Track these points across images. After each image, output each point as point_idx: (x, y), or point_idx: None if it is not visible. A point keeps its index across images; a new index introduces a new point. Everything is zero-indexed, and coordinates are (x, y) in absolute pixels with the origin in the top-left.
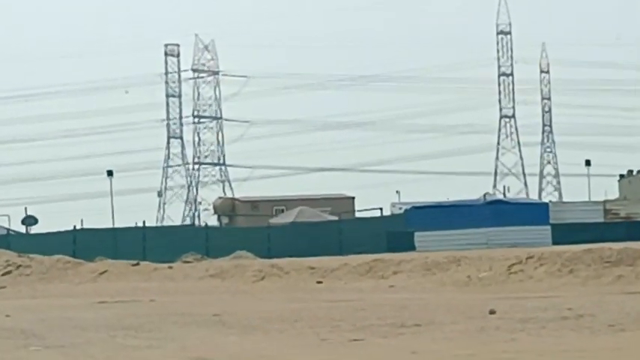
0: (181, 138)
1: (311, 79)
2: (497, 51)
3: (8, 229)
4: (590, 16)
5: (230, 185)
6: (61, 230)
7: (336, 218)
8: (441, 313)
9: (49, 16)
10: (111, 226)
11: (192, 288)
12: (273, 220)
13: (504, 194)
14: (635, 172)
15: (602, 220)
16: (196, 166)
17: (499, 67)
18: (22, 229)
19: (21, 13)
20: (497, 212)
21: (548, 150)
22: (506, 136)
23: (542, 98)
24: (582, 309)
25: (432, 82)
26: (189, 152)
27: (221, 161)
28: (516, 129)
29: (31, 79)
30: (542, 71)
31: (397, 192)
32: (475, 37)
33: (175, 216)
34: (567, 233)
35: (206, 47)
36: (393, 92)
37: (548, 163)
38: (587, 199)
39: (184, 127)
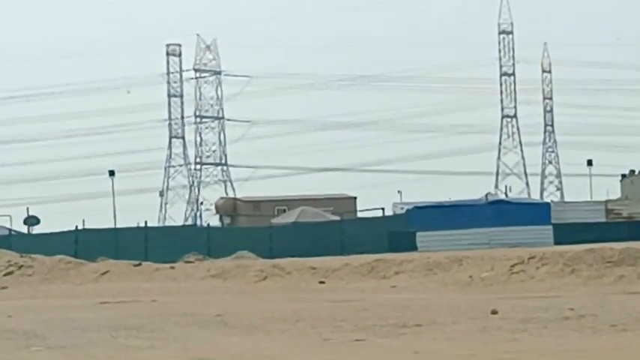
0: (183, 138)
1: (312, 79)
2: (499, 51)
3: (10, 230)
4: (591, 15)
5: (232, 185)
6: (63, 230)
7: (337, 218)
8: (443, 313)
9: (50, 16)
10: (113, 226)
11: (194, 288)
12: (275, 220)
13: (506, 194)
14: (636, 172)
15: (603, 220)
16: (198, 166)
17: (501, 66)
18: (24, 229)
19: (22, 13)
20: (498, 212)
21: (550, 150)
22: (508, 136)
23: (544, 98)
24: (584, 309)
25: (433, 82)
26: (191, 152)
27: (223, 161)
28: (518, 129)
29: (33, 79)
30: (543, 71)
31: (399, 192)
32: (476, 36)
33: (177, 216)
34: (569, 233)
35: (208, 47)
36: (394, 92)
37: (550, 163)
38: (589, 199)
39: (186, 127)
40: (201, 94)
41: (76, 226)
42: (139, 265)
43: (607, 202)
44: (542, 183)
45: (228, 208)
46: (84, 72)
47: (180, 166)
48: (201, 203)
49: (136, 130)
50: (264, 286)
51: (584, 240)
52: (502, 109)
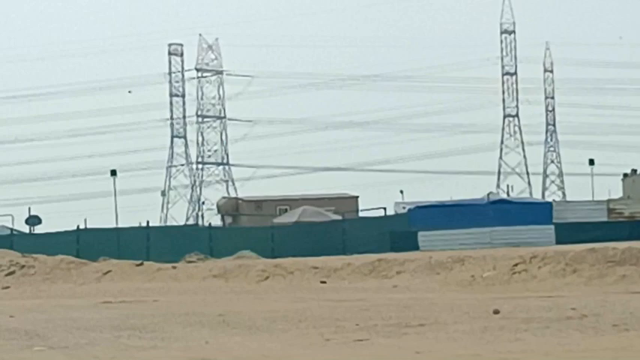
0: (185, 137)
1: (314, 79)
2: (501, 50)
3: (12, 229)
4: (593, 15)
5: (234, 185)
6: (65, 230)
7: (339, 218)
8: (445, 312)
9: (52, 16)
10: (114, 225)
11: (195, 288)
12: (277, 220)
13: (508, 193)
14: (638, 172)
15: (605, 219)
16: (200, 166)
17: (503, 66)
18: (26, 229)
19: (24, 13)
20: (500, 212)
21: (552, 149)
22: (510, 136)
23: (546, 97)
24: (586, 309)
25: (435, 82)
26: (193, 152)
27: (225, 161)
28: (520, 128)
29: (35, 78)
30: (545, 70)
31: (401, 191)
32: (478, 36)
33: (179, 216)
34: (571, 233)
35: (210, 47)
36: (396, 91)
37: (552, 162)
38: (590, 199)
39: (188, 127)
40: (203, 93)
41: (78, 226)
42: (141, 264)
43: (609, 201)
44: (543, 182)
45: (230, 207)
46: (86, 71)
47: (182, 165)
48: (203, 203)
49: (137, 130)
50: (266, 286)
51: (585, 239)
52: (504, 109)
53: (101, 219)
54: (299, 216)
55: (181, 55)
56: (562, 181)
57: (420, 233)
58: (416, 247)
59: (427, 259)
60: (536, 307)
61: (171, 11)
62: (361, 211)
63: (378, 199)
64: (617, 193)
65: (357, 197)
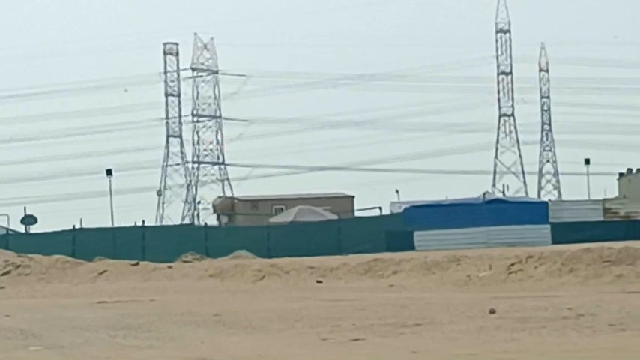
0: (180, 137)
1: (310, 78)
2: (496, 49)
3: (7, 229)
4: (588, 14)
5: (229, 184)
6: (61, 230)
7: (335, 217)
8: (441, 312)
9: (47, 16)
10: (110, 225)
11: (191, 287)
12: (273, 220)
13: (503, 193)
14: (634, 171)
15: (601, 218)
16: (195, 165)
17: (498, 65)
18: (22, 228)
19: (19, 13)
20: (496, 211)
21: (548, 149)
22: (506, 135)
23: (542, 97)
24: (582, 308)
25: (430, 81)
26: (189, 151)
27: (220, 160)
28: (515, 128)
29: (30, 78)
30: (541, 70)
31: (396, 191)
32: (474, 35)
33: (175, 215)
34: (567, 232)
35: (205, 46)
36: (392, 91)
37: (548, 161)
38: (586, 198)
39: (183, 126)
40: (198, 93)
41: (74, 226)
42: (137, 264)
43: (604, 201)
44: (539, 182)
45: (226, 207)
46: (81, 71)
47: (178, 165)
48: (199, 202)
49: (133, 129)
50: (262, 286)
51: (581, 239)
52: (499, 108)
53: (97, 218)
54: (295, 216)
55: (177, 54)
56: (558, 181)
57: (415, 233)
58: (412, 247)
59: (423, 259)
60: (532, 307)
61: (167, 11)
62: (357, 210)
63: (373, 199)
64: (613, 192)
65: (353, 197)
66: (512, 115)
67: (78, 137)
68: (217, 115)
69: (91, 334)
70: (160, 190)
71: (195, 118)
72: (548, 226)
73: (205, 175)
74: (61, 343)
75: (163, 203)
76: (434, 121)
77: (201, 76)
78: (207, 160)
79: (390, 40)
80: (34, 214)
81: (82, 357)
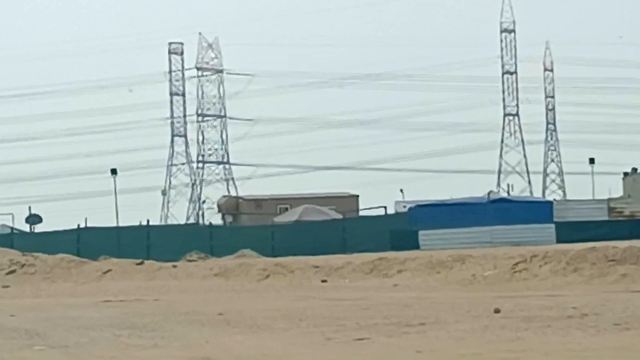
0: (185, 136)
1: (315, 78)
2: (501, 49)
3: (12, 228)
4: (593, 14)
5: (234, 184)
6: (65, 229)
7: (340, 217)
8: (446, 311)
9: (52, 15)
10: (115, 224)
11: (196, 287)
12: (277, 219)
13: (508, 192)
14: (639, 170)
15: (606, 218)
16: (200, 165)
17: (503, 65)
18: (26, 227)
19: (24, 12)
20: (501, 210)
21: (552, 148)
22: (510, 135)
23: (546, 96)
24: (587, 308)
25: (435, 81)
26: (193, 151)
27: (225, 159)
28: (520, 127)
29: (35, 77)
30: (546, 69)
31: (401, 190)
32: (479, 35)
33: (179, 214)
34: (571, 231)
35: (210, 45)
36: (396, 90)
37: (552, 161)
38: (591, 198)
39: (188, 126)
40: (203, 92)
41: (78, 225)
42: (142, 263)
43: (609, 200)
44: (544, 181)
45: (231, 206)
46: (86, 70)
47: (183, 164)
48: (204, 202)
49: (138, 129)
50: (266, 285)
51: (586, 238)
52: (504, 108)
53: (101, 218)
54: (299, 215)
55: (181, 53)
56: (562, 180)
57: (420, 232)
58: (416, 246)
59: (428, 258)
60: (537, 306)
61: (172, 10)
62: (362, 210)
63: (378, 198)
64: (618, 192)
65: (358, 196)
66: (517, 114)
67: (83, 137)
68: (222, 114)
69: (96, 333)
70: (164, 189)
71: (200, 118)
72: (553, 226)
73: (210, 174)
74: (65, 342)
75: (168, 202)
76: (439, 121)
77: (206, 75)
78: (212, 159)
79: (395, 40)
80: (39, 214)
81: (86, 356)
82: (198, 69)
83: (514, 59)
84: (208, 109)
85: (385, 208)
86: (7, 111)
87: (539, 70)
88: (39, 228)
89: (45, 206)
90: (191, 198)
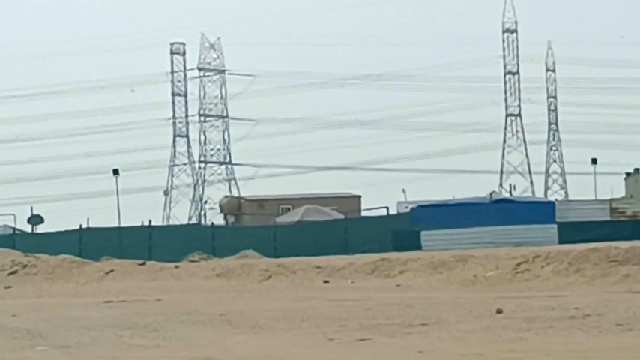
0: (187, 137)
1: (316, 78)
2: (503, 49)
3: (14, 229)
4: (595, 14)
5: (236, 184)
6: (67, 229)
7: (342, 217)
8: (448, 312)
9: (53, 15)
10: (117, 225)
11: (198, 287)
12: (279, 219)
13: (510, 193)
14: None
15: (608, 218)
16: (202, 165)
17: (505, 65)
18: (28, 228)
19: (26, 12)
20: (503, 211)
21: (554, 148)
22: (512, 135)
23: (548, 96)
24: (589, 308)
25: (437, 81)
26: (195, 151)
27: (227, 160)
28: (522, 127)
29: (37, 77)
30: (548, 69)
31: (403, 191)
32: (481, 35)
33: (181, 215)
34: (573, 232)
35: (212, 46)
36: (398, 90)
37: (554, 161)
38: (593, 198)
39: (190, 126)
40: (205, 92)
41: (80, 225)
42: (144, 264)
43: (611, 200)
44: (546, 182)
45: (233, 206)
46: (88, 70)
47: (185, 164)
48: (206, 202)
49: (140, 129)
50: (268, 285)
51: (588, 239)
52: (506, 108)
53: (103, 218)
54: (301, 215)
55: (183, 54)
56: (564, 181)
57: (422, 232)
58: (418, 247)
59: (430, 259)
60: (539, 307)
61: (174, 10)
62: (364, 210)
63: (380, 199)
64: (620, 192)
65: (360, 196)
66: (519, 114)
67: (85, 137)
68: (224, 114)
69: (98, 333)
70: (166, 189)
71: (202, 118)
72: (555, 226)
73: (212, 174)
74: (67, 342)
75: (170, 203)
76: (441, 121)
77: (208, 75)
78: (214, 159)
79: (397, 40)
80: (41, 214)
81: (88, 357)
82: (200, 69)
83: (516, 59)
84: (210, 109)
85: (387, 208)
86: (8, 111)
87: (541, 70)
88: (41, 228)
89: (47, 207)
90: (193, 198)
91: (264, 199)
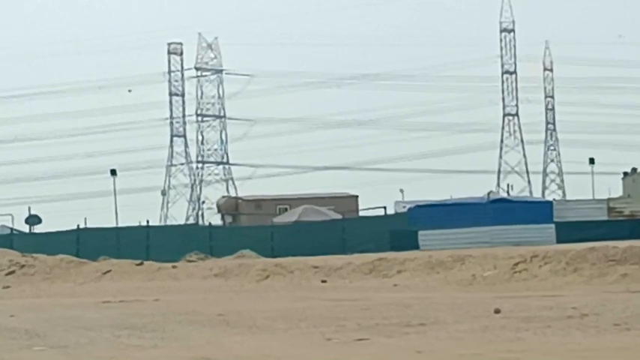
0: (185, 137)
1: (314, 78)
2: (501, 49)
3: (12, 229)
4: (593, 13)
5: (233, 184)
6: (65, 229)
7: (339, 217)
8: (446, 312)
9: (52, 15)
10: (114, 225)
11: (196, 287)
12: (277, 219)
13: (508, 192)
14: (638, 170)
15: (606, 218)
16: (200, 165)
17: (502, 65)
18: (26, 228)
19: (23, 12)
20: (500, 210)
21: (552, 148)
22: (510, 134)
23: (546, 96)
24: (587, 308)
25: (435, 80)
26: (193, 151)
27: (224, 160)
28: (520, 127)
29: (34, 77)
30: (545, 69)
31: (401, 190)
32: (478, 35)
33: (179, 215)
34: (571, 231)
35: (209, 46)
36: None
37: (552, 161)
38: (590, 198)
39: (187, 126)
40: (202, 92)
41: (78, 225)
42: (141, 264)
43: (609, 200)
44: (543, 181)
45: (230, 206)
46: (85, 70)
47: (182, 164)
48: (203, 202)
49: (137, 129)
50: (266, 285)
51: (586, 238)
52: (504, 108)
53: (101, 218)
54: (299, 215)
55: (181, 54)
56: (562, 180)
57: (420, 232)
58: (416, 246)
59: (427, 258)
60: (536, 307)
61: (171, 10)
62: (361, 210)
63: (378, 199)
64: (618, 191)
65: (357, 196)
66: (517, 114)
67: (82, 137)
68: (221, 114)
69: (96, 334)
70: (164, 189)
71: (200, 118)
72: (553, 226)
73: (209, 174)
74: (65, 343)
75: (167, 203)
76: (438, 121)
77: (205, 75)
78: (212, 159)
79: (394, 40)
80: (38, 214)
81: (86, 357)
82: (197, 69)
83: (514, 59)
84: (208, 109)
85: (385, 208)
86: (6, 111)
87: (538, 69)
88: (38, 229)
89: (44, 207)
90: (190, 198)
91: (262, 199)
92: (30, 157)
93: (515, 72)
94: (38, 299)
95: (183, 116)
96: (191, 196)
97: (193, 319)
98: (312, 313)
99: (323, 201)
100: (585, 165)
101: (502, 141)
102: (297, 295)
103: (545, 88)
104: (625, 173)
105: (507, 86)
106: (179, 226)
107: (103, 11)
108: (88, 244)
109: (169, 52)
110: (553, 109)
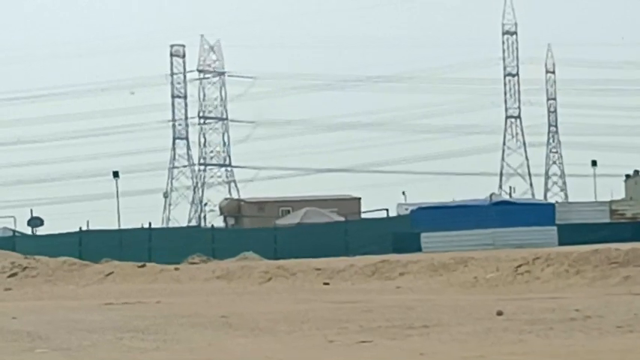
0: (187, 139)
1: (316, 80)
2: (503, 51)
3: (14, 231)
4: (595, 15)
5: (236, 186)
6: (67, 232)
7: (342, 219)
8: (448, 314)
9: (53, 17)
10: (117, 227)
11: (198, 289)
12: (280, 221)
13: (510, 195)
14: None
15: (608, 220)
16: (202, 167)
17: (504, 67)
18: (28, 230)
19: (25, 14)
20: (503, 213)
21: (554, 150)
22: (512, 137)
23: (548, 98)
24: (590, 310)
25: (437, 83)
26: (195, 153)
27: (227, 162)
28: (522, 129)
29: (37, 80)
30: (547, 71)
31: (403, 193)
32: (480, 37)
33: (181, 217)
34: (573, 234)
35: (212, 48)
36: (399, 93)
37: (554, 163)
38: (593, 200)
39: (190, 128)
40: (204, 95)
41: (80, 228)
42: (144, 266)
43: (611, 202)
44: (546, 183)
45: (233, 209)
46: (87, 73)
47: (184, 167)
48: (206, 204)
49: (139, 131)
50: (268, 288)
51: (588, 241)
52: (506, 110)
53: (103, 220)
54: (301, 217)
55: (183, 56)
56: (564, 183)
57: (422, 234)
58: (418, 249)
59: (430, 261)
60: (539, 309)
61: (173, 12)
62: (364, 212)
63: (380, 201)
64: (620, 194)
65: (360, 199)
66: (519, 116)
67: (84, 139)
68: (224, 117)
69: (98, 336)
70: (166, 192)
71: (202, 120)
72: (555, 228)
73: (212, 177)
74: (67, 345)
75: (170, 205)
76: (440, 123)
77: (207, 77)
78: (214, 162)
79: (396, 42)
80: (41, 216)
81: (88, 359)
82: (199, 71)
83: (516, 61)
84: (210, 111)
85: (387, 210)
86: (8, 113)
87: (541, 72)
88: (41, 231)
89: (47, 209)
90: (193, 200)
91: (264, 202)
92: (32, 160)
93: (517, 74)
94: (40, 301)
95: (186, 118)
96: (193, 198)
97: (195, 321)
98: (314, 315)
99: (325, 203)
100: (588, 167)
101: (504, 143)
102: (300, 298)
103: (547, 91)
104: (627, 175)
105: (510, 88)
106: (181, 228)
107: (105, 13)
108: (90, 246)
109: (172, 55)
110: (555, 111)
